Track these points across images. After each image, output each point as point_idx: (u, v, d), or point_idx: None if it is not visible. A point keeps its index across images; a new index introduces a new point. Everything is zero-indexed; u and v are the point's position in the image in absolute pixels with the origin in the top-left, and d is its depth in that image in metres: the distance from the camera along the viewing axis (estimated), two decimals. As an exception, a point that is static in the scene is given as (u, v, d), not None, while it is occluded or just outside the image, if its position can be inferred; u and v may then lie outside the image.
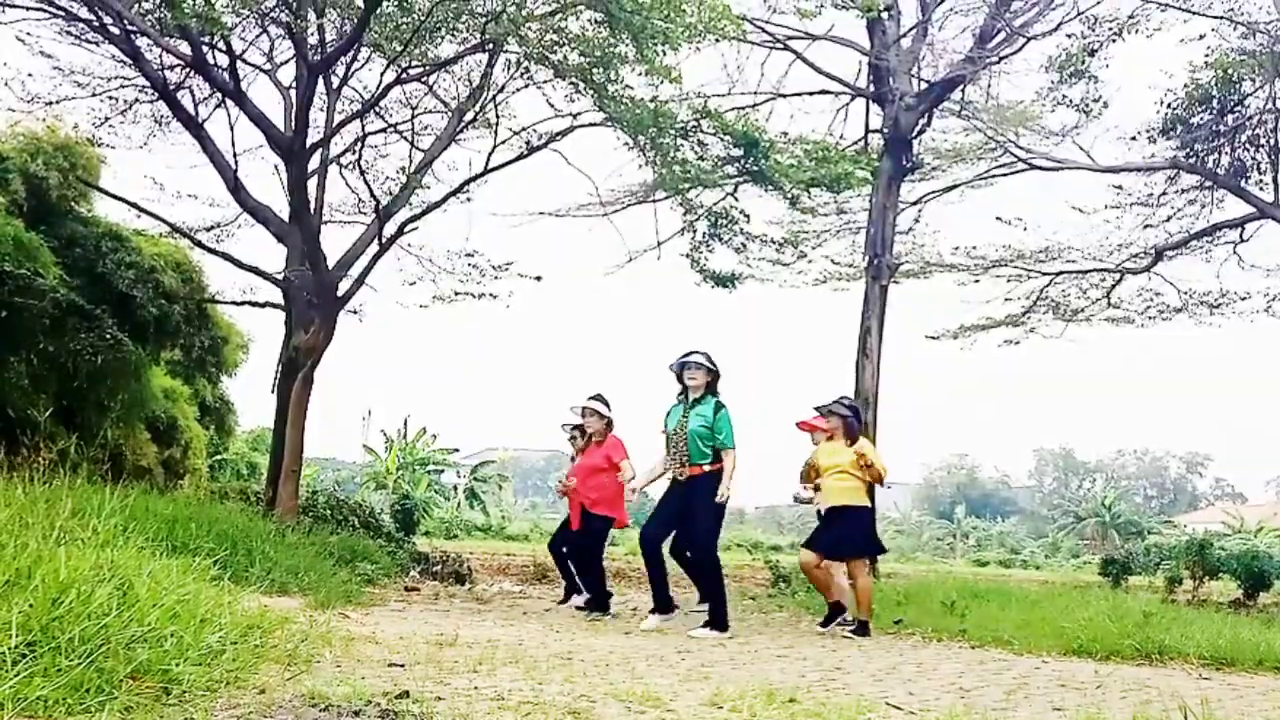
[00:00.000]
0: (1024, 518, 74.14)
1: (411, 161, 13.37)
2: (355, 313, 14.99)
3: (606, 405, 8.95)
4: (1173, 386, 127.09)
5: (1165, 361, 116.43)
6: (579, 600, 9.31)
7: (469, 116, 13.42)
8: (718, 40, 12.02)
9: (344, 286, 13.00)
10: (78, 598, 3.30)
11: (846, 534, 7.97)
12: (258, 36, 13.36)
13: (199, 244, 14.28)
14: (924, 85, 15.24)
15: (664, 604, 7.81)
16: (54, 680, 2.80)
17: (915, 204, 17.45)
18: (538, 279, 14.65)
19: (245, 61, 12.82)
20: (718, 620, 7.36)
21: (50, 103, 13.30)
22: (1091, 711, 4.32)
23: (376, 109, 13.58)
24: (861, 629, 7.74)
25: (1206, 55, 14.82)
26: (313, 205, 12.82)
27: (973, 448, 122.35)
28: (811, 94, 16.34)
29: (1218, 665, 6.53)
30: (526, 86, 12.90)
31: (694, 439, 7.47)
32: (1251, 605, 14.82)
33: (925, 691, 4.82)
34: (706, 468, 7.46)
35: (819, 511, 8.72)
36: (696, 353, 7.65)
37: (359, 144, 13.79)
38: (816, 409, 8.57)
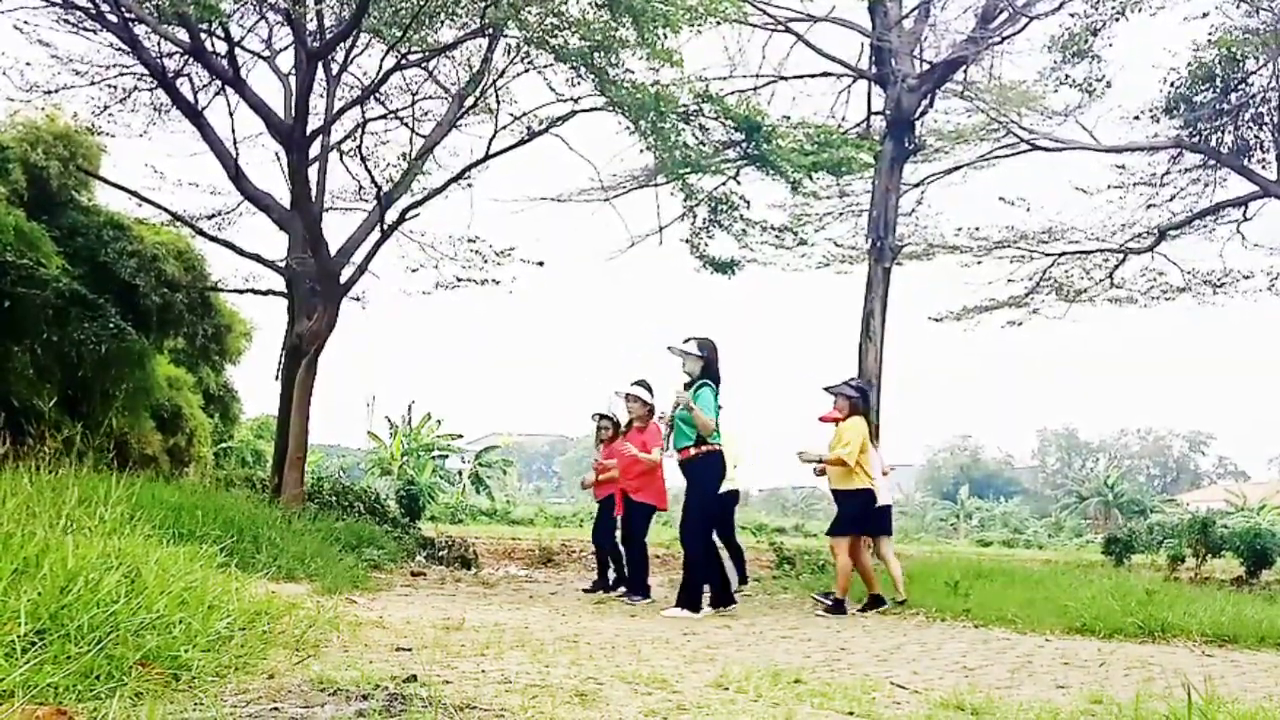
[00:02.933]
0: (1027, 498, 74.20)
1: (412, 148, 13.34)
2: (358, 299, 15.02)
3: (650, 391, 8.70)
4: (1176, 366, 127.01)
5: (1168, 341, 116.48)
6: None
7: (469, 102, 13.38)
8: (718, 23, 11.96)
9: (346, 273, 12.99)
10: (86, 586, 3.32)
11: (839, 514, 8.19)
12: (256, 23, 13.34)
13: (200, 232, 14.28)
14: (926, 66, 15.15)
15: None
16: (64, 667, 2.82)
17: (918, 186, 17.39)
18: (540, 264, 14.64)
19: (244, 48, 12.78)
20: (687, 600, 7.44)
21: (49, 91, 13.29)
22: (1095, 689, 4.35)
23: (376, 95, 13.54)
24: (836, 606, 7.88)
25: (1210, 33, 14.74)
26: (314, 192, 12.80)
27: (976, 429, 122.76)
28: (813, 76, 16.26)
29: (1220, 642, 6.56)
30: (527, 71, 12.85)
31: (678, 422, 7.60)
32: (1254, 583, 14.85)
33: (929, 671, 4.84)
34: (692, 450, 7.54)
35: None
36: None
37: (359, 130, 13.76)
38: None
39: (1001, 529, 49.22)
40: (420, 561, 11.55)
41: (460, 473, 44.00)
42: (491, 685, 3.65)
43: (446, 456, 42.48)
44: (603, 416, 9.75)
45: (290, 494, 11.99)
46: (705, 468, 7.50)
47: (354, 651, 4.27)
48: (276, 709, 2.97)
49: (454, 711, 3.08)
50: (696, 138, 12.39)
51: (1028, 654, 5.69)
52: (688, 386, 7.55)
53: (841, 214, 18.00)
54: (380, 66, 12.19)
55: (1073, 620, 7.01)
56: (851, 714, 3.54)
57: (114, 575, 3.51)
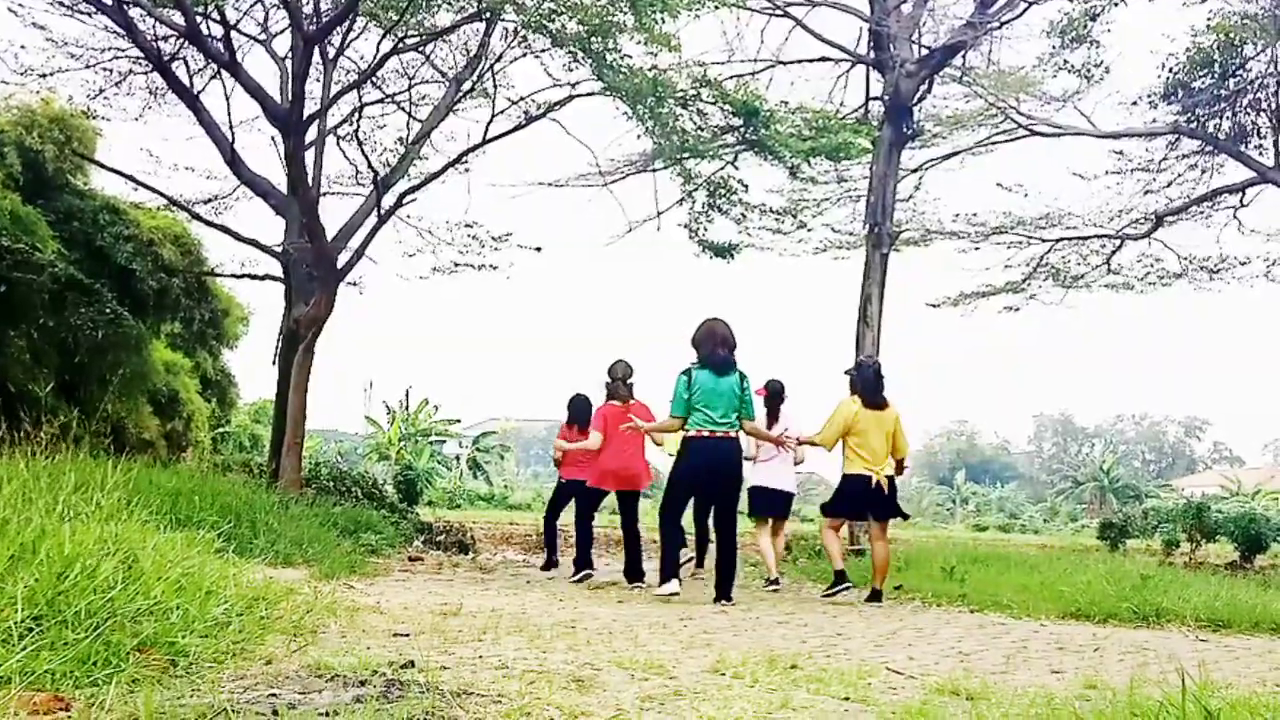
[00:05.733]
0: (1023, 483, 74.46)
1: (409, 132, 13.31)
2: (355, 284, 15.00)
3: (613, 378, 8.74)
4: (1172, 352, 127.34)
5: (1165, 327, 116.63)
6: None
7: (466, 86, 13.34)
8: (716, 7, 11.91)
9: (343, 258, 12.98)
10: (83, 572, 3.31)
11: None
12: (252, 6, 13.27)
13: (197, 217, 14.25)
14: (925, 51, 15.10)
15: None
16: (61, 654, 2.82)
17: (916, 171, 17.37)
18: (537, 250, 14.63)
19: (240, 31, 12.72)
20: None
21: (44, 75, 13.23)
22: (1089, 674, 4.36)
23: (373, 79, 13.49)
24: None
25: (1208, 18, 14.70)
26: (311, 177, 12.76)
27: (972, 414, 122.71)
28: (811, 61, 16.21)
29: (1214, 627, 6.59)
30: (524, 56, 12.81)
31: None
32: (1248, 567, 14.92)
33: (925, 656, 4.86)
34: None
35: None
36: None
37: (356, 115, 13.72)
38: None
39: (997, 514, 49.45)
40: (418, 547, 11.57)
41: (458, 458, 44.09)
42: (489, 670, 3.66)
43: (444, 441, 42.57)
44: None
45: (288, 479, 11.99)
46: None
47: (351, 637, 4.28)
48: (274, 695, 2.98)
49: (451, 697, 3.09)
50: (694, 123, 12.36)
51: (1023, 639, 5.71)
52: None
53: (839, 199, 17.99)
54: (377, 50, 12.15)
55: (1068, 605, 7.03)
56: (847, 699, 3.55)
57: (111, 561, 3.51)
